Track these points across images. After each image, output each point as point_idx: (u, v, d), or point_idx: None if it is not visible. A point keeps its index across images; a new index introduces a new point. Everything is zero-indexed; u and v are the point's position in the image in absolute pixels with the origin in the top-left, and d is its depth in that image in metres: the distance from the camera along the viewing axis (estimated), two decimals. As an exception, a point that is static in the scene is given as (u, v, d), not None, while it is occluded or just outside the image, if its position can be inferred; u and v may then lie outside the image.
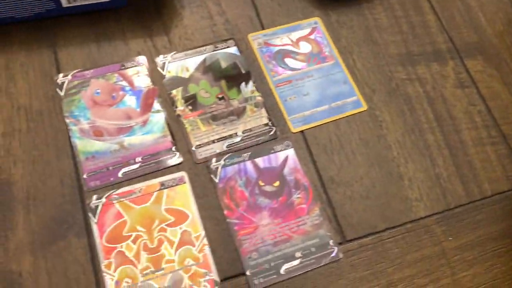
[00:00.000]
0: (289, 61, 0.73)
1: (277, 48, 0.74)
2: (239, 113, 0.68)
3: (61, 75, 0.66)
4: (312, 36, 0.76)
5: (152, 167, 0.62)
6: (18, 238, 0.56)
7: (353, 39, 0.76)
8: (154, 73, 0.69)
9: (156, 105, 0.66)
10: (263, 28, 0.75)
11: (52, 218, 0.58)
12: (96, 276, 0.56)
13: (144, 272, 0.56)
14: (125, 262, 0.56)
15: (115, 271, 0.56)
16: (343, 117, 0.70)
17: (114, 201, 0.59)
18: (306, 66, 0.73)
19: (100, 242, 0.57)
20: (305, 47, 0.74)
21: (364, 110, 0.71)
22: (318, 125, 0.69)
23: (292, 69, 0.72)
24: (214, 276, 0.57)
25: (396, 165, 0.68)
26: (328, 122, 0.69)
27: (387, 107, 0.72)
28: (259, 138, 0.66)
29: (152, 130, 0.64)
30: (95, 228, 0.58)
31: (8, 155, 0.60)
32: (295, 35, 0.75)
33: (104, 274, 0.56)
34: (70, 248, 0.56)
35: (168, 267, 0.57)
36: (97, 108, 0.65)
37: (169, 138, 0.64)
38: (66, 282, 0.55)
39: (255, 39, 0.74)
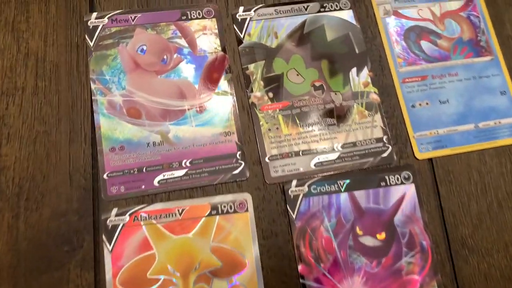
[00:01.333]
0: (426, 45, 0.49)
1: (411, 23, 0.49)
2: (342, 115, 0.45)
3: (94, 15, 0.44)
4: (464, 13, 0.50)
5: (204, 179, 0.41)
6: (-4, 255, 0.38)
7: (525, 27, 0.51)
8: (228, 33, 0.46)
9: (223, 84, 0.44)
10: (395, -11, 0.50)
11: (49, 233, 0.39)
12: (98, 334, 0.37)
13: None
14: (143, 320, 0.38)
15: (126, 331, 0.37)
16: (494, 147, 0.46)
17: (141, 222, 0.40)
18: (450, 58, 0.48)
19: (112, 282, 0.38)
20: (452, 28, 0.50)
21: (526, 141, 0.47)
22: (455, 154, 0.46)
23: (429, 59, 0.48)
24: None
25: (560, 234, 0.44)
26: (470, 151, 0.46)
27: (559, 140, 0.47)
28: (365, 160, 0.44)
29: (212, 121, 0.43)
30: (108, 260, 0.39)
31: (1, 124, 0.41)
32: (440, 8, 0.50)
33: (110, 333, 0.37)
34: (67, 284, 0.38)
35: None
36: (139, 73, 0.43)
37: (235, 137, 0.43)
38: (55, 334, 0.37)
39: (382, 3, 0.49)
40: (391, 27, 0.49)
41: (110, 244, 0.39)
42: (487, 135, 0.46)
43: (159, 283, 0.38)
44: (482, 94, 0.48)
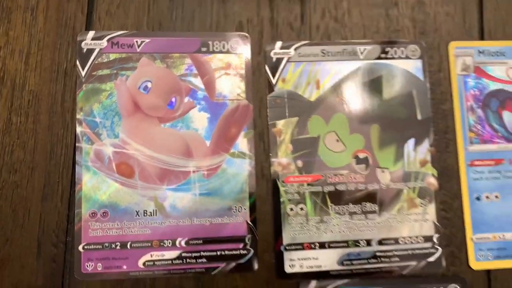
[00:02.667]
0: (510, 118, 0.38)
1: (495, 86, 0.38)
2: (387, 200, 0.35)
3: (90, 34, 0.35)
4: None
5: (200, 266, 0.33)
6: None
7: None
8: (257, 76, 0.36)
9: (242, 142, 0.35)
10: (481, 38, 0.38)
11: (5, 310, 0.32)
12: None
13: None
14: None
15: None
16: None
17: (117, 312, 0.32)
18: (538, 139, 0.37)
19: None
20: (548, 98, 0.38)
21: None
22: (522, 268, 0.36)
23: (511, 137, 0.37)
24: None
25: None
26: (542, 267, 0.36)
27: None
28: (406, 263, 0.35)
29: (221, 190, 0.34)
30: None
31: (-39, 167, 0.33)
32: (538, 68, 0.38)
33: None
34: None
35: None
36: (138, 118, 0.34)
37: (246, 215, 0.34)
38: None
39: (461, 54, 0.38)
40: (469, 88, 0.38)
41: (76, 337, 0.32)
42: None
43: None
44: None
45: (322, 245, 0.35)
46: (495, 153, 0.37)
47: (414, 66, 0.37)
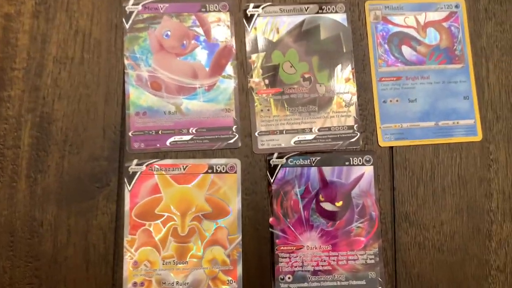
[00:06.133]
0: (406, 50, 0.57)
1: (396, 29, 0.57)
2: (323, 104, 0.55)
3: (131, 1, 0.55)
4: (446, 24, 0.58)
5: (205, 144, 0.53)
6: (46, 184, 0.52)
7: (499, 40, 0.58)
8: (238, 26, 0.56)
9: (229, 68, 0.55)
10: (387, -3, 0.58)
11: (85, 172, 0.52)
12: (116, 249, 0.51)
13: (166, 261, 0.51)
14: (149, 243, 0.51)
15: (136, 250, 0.51)
16: (448, 143, 0.56)
17: (154, 172, 0.52)
18: (425, 63, 0.57)
19: (129, 214, 0.51)
20: (431, 36, 0.58)
21: (477, 141, 0.56)
22: (413, 145, 0.55)
23: (406, 62, 0.57)
24: (238, 287, 0.51)
25: (489, 220, 0.55)
26: (427, 144, 0.55)
27: (507, 144, 0.56)
28: (336, 143, 0.54)
29: (216, 98, 0.54)
30: (127, 197, 0.52)
31: (54, 85, 0.53)
32: (425, 17, 0.58)
33: (125, 250, 0.51)
34: (96, 211, 0.51)
35: (193, 263, 0.51)
36: (163, 54, 0.54)
37: (233, 114, 0.54)
38: (84, 245, 0.51)
39: (373, 9, 0.57)
40: (378, 31, 0.57)
41: (129, 185, 0.52)
42: (445, 133, 0.56)
43: (163, 218, 0.52)
44: (447, 97, 0.56)
45: (281, 132, 0.54)
46: (396, 73, 0.57)
47: (341, 17, 0.57)
